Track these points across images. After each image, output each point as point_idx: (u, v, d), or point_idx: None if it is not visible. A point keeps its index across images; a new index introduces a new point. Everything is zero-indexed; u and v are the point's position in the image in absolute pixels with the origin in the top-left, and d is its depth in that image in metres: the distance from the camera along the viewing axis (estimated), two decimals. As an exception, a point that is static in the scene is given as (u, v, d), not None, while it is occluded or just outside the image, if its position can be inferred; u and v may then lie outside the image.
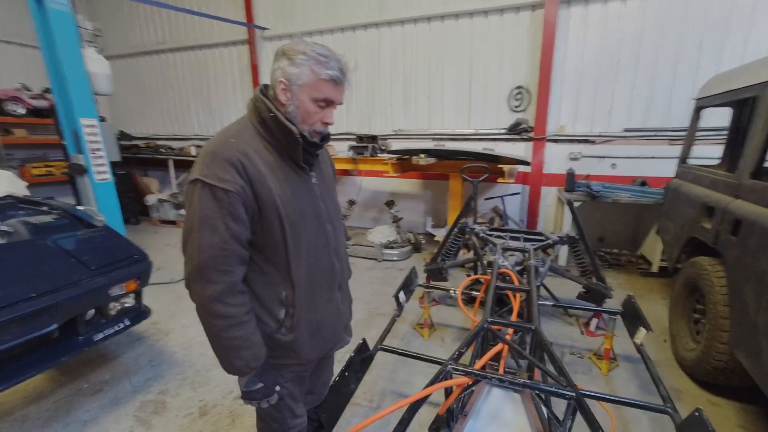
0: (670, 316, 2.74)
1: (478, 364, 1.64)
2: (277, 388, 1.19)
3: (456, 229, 3.40)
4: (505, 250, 2.87)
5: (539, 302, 2.11)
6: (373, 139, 5.17)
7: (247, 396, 1.15)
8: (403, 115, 5.66)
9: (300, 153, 1.07)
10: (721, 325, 2.09)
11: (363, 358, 1.97)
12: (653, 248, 4.00)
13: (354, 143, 5.22)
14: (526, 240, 3.13)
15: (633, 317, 2.20)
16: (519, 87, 4.88)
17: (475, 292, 2.83)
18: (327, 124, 1.10)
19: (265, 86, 1.09)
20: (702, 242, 2.44)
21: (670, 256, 2.96)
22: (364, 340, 2.02)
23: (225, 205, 0.97)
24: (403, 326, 3.05)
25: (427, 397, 1.39)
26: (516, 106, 4.97)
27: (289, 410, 1.29)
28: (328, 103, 1.06)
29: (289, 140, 1.05)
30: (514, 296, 2.31)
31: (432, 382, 1.45)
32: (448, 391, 1.56)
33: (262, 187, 1.02)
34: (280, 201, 1.05)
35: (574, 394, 1.35)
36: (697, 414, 1.45)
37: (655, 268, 3.95)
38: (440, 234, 5.05)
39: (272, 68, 1.04)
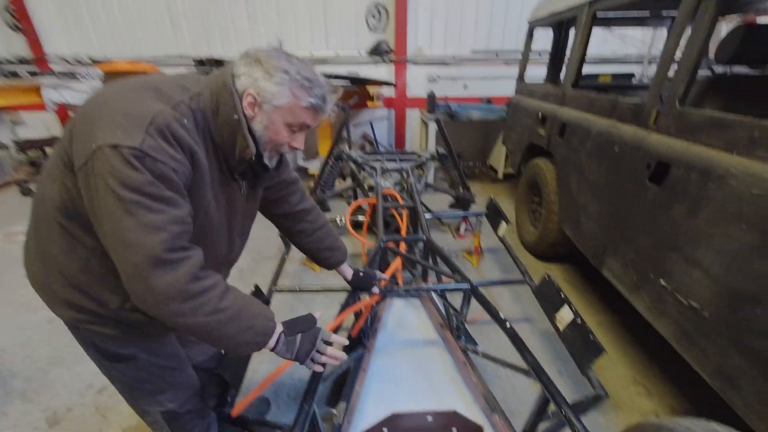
0: (516, 211, 3.34)
1: (382, 281, 1.68)
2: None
3: (332, 159, 3.27)
4: (384, 171, 2.92)
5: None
6: (219, 63, 4.36)
7: (302, 360, 0.99)
8: (249, 34, 4.87)
9: (240, 168, 0.95)
10: (553, 210, 2.63)
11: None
12: (498, 158, 4.71)
13: (195, 68, 4.31)
14: (402, 161, 3.24)
15: (495, 215, 2.57)
16: (377, 4, 4.67)
17: (360, 217, 2.86)
18: (294, 148, 0.98)
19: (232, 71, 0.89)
20: (538, 147, 2.94)
21: (514, 161, 3.52)
22: (256, 286, 1.84)
23: (174, 180, 0.78)
24: (293, 265, 2.93)
25: (340, 324, 1.36)
26: (375, 26, 4.79)
27: (168, 369, 1.13)
28: (302, 128, 0.95)
29: (239, 154, 0.91)
30: (400, 214, 2.41)
31: (343, 308, 1.42)
32: (357, 315, 1.56)
33: (199, 186, 0.87)
34: (209, 207, 0.92)
35: (469, 286, 1.51)
36: (547, 278, 1.82)
37: (500, 175, 4.70)
38: (313, 166, 4.85)
39: (239, 70, 0.88)
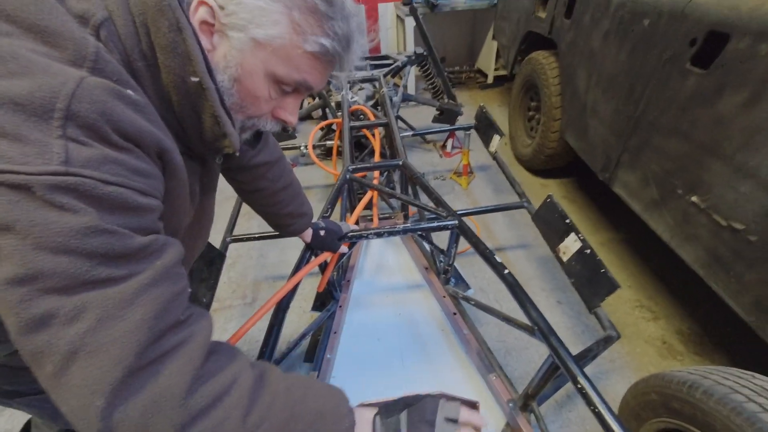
0: (509, 120, 2.91)
1: (350, 220, 1.36)
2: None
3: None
4: (352, 84, 2.41)
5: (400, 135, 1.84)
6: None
7: None
8: None
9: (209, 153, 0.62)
10: (553, 115, 2.23)
11: (208, 260, 1.49)
12: (488, 60, 4.08)
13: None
14: (373, 68, 2.69)
15: (486, 127, 2.17)
16: None
17: (330, 142, 2.43)
18: (283, 121, 0.60)
19: None
20: (537, 36, 2.40)
21: (507, 59, 2.97)
22: (208, 243, 1.50)
23: (142, 206, 0.42)
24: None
25: (298, 283, 1.06)
26: None
27: None
28: (298, 90, 0.56)
29: (211, 143, 0.54)
30: (372, 134, 1.99)
31: (298, 266, 1.11)
32: (322, 267, 1.27)
33: (175, 194, 0.52)
34: (185, 212, 0.59)
35: (456, 222, 1.20)
36: (548, 200, 1.52)
37: (490, 80, 4.13)
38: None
39: None
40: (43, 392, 0.69)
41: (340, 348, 1.26)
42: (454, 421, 0.63)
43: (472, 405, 0.94)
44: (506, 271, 1.07)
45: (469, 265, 1.87)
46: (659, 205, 1.42)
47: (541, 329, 0.93)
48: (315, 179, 2.80)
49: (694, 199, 1.25)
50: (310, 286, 1.79)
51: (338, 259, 1.24)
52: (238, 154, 0.58)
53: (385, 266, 1.56)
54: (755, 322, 1.09)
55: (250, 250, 2.17)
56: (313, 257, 1.14)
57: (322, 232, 1.13)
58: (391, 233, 1.18)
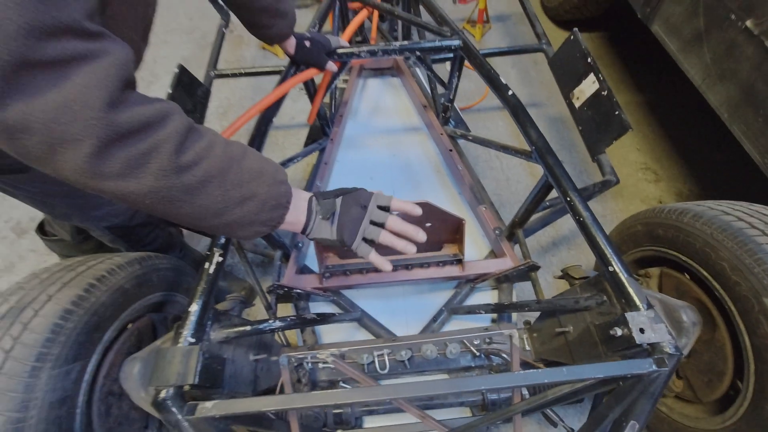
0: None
1: (343, 37, 1.20)
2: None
3: None
4: None
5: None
6: None
7: (351, 237, 0.64)
8: None
9: None
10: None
11: (186, 87, 1.37)
12: None
13: None
14: None
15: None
16: None
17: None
18: None
19: None
20: None
21: None
22: (181, 67, 1.36)
23: None
24: (250, 50, 2.33)
25: (283, 97, 0.98)
26: None
27: None
28: None
29: None
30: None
31: (282, 80, 1.01)
32: (311, 95, 1.16)
33: None
34: None
35: (459, 42, 1.04)
36: (572, 37, 1.33)
37: None
38: None
39: None
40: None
41: (332, 181, 1.24)
42: (386, 209, 0.67)
43: (458, 222, 0.95)
44: (510, 93, 0.96)
45: (473, 124, 1.75)
46: (701, 39, 1.23)
47: (538, 148, 0.87)
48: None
49: (748, 23, 1.06)
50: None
51: (329, 83, 1.12)
52: None
53: (382, 108, 1.45)
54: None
55: (242, 99, 2.04)
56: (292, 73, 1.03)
57: (307, 43, 0.99)
58: (386, 52, 1.04)
